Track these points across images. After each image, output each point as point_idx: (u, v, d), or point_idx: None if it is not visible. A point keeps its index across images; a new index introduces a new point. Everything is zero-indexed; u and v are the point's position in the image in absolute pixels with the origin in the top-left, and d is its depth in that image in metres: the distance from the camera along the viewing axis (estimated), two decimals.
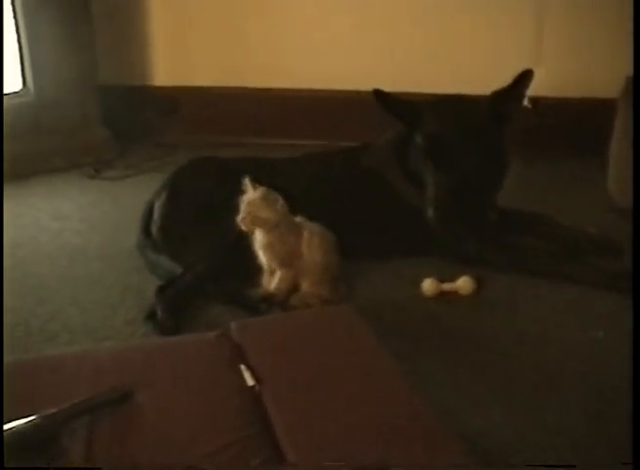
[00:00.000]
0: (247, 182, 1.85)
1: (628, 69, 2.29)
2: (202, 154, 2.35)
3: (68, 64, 2.82)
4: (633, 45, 2.15)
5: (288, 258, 1.85)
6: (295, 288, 1.88)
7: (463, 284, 1.90)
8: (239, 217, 1.83)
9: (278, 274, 1.87)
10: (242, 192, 1.84)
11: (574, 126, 2.78)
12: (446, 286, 1.90)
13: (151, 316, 1.82)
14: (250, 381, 1.22)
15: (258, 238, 1.87)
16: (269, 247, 1.85)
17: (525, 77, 2.00)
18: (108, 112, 2.98)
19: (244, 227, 1.83)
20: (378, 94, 2.04)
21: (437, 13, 2.87)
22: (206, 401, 1.21)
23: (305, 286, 1.88)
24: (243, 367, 1.25)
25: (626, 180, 2.32)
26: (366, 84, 2.48)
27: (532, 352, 1.69)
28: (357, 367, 1.31)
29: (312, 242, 1.88)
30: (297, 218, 1.89)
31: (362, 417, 1.18)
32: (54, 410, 1.12)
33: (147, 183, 2.49)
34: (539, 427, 1.46)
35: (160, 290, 1.88)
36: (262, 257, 1.88)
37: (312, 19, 2.97)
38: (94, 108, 2.94)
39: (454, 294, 1.90)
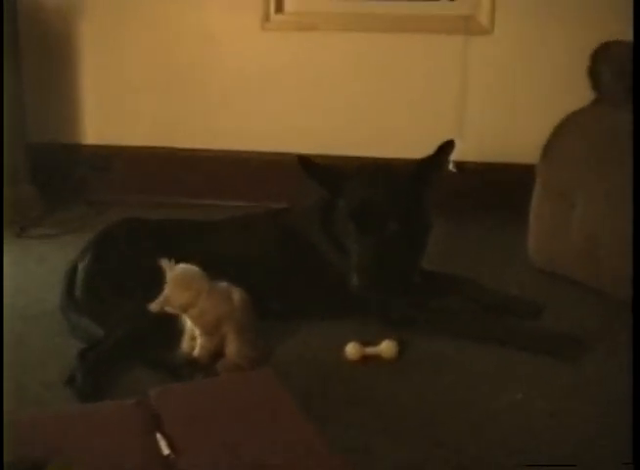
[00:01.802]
0: (165, 263, 1.83)
1: (545, 136, 2.40)
2: (132, 213, 2.33)
3: None
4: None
5: (213, 326, 1.85)
6: (217, 352, 1.86)
7: (386, 348, 1.92)
8: (157, 300, 1.81)
9: (200, 341, 1.85)
10: (162, 270, 1.83)
11: (497, 190, 2.88)
12: (369, 350, 1.91)
13: (71, 380, 1.78)
14: (165, 450, 1.21)
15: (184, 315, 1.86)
16: (195, 319, 1.85)
17: (446, 147, 2.07)
18: (36, 169, 2.96)
19: (164, 309, 1.82)
20: (302, 161, 2.07)
21: (366, 82, 2.96)
22: None
23: (232, 348, 1.87)
24: (159, 436, 1.24)
25: (544, 243, 2.41)
26: (293, 146, 2.55)
27: (455, 416, 1.69)
28: (277, 432, 1.31)
29: (240, 305, 1.88)
30: (221, 283, 1.89)
31: None
32: None
33: (74, 242, 2.46)
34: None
35: (82, 353, 1.84)
36: (188, 325, 1.87)
37: (238, 81, 3.03)
38: (21, 165, 2.91)
39: (377, 357, 1.91)
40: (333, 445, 1.31)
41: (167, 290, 1.81)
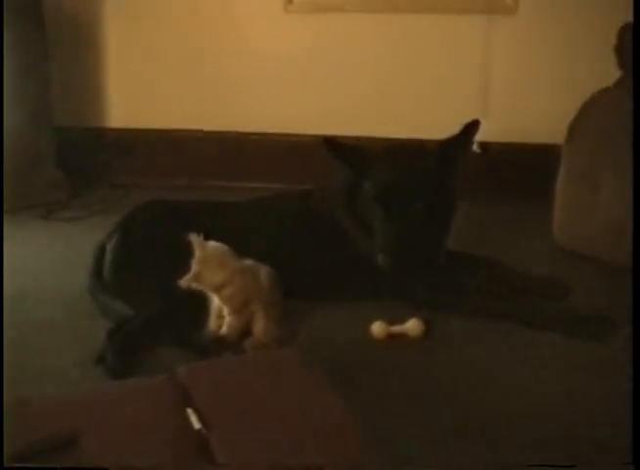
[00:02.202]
0: (194, 238, 1.84)
1: (571, 116, 2.39)
2: (156, 196, 2.35)
3: (23, 104, 2.82)
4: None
5: (241, 305, 1.86)
6: (244, 330, 1.88)
7: (412, 326, 1.92)
8: (187, 277, 1.82)
9: (228, 319, 1.87)
10: (191, 247, 1.84)
11: (522, 171, 2.86)
12: (395, 328, 1.92)
13: (101, 360, 1.80)
14: (196, 424, 1.23)
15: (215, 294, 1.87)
16: (224, 298, 1.86)
17: (472, 126, 2.05)
18: (62, 152, 2.98)
19: (193, 286, 1.83)
20: (327, 142, 2.07)
21: (389, 62, 2.95)
22: (153, 445, 1.21)
23: (259, 327, 1.88)
24: (189, 411, 1.25)
25: (570, 223, 2.40)
26: (316, 128, 2.55)
27: (482, 395, 1.70)
28: (305, 409, 1.32)
29: (268, 284, 1.90)
30: (248, 261, 1.91)
31: (311, 460, 1.19)
32: None
33: (100, 225, 2.48)
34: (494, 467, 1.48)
35: (111, 333, 1.87)
36: (215, 304, 1.89)
37: (261, 63, 3.03)
38: (48, 148, 2.94)
39: (403, 336, 1.92)
40: (359, 423, 1.32)
41: (198, 267, 1.82)
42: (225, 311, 1.86)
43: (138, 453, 1.20)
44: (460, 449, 1.50)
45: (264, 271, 1.90)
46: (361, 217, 2.09)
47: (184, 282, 1.81)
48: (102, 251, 2.13)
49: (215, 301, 1.88)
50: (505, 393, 1.70)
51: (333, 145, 2.08)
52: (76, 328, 2.00)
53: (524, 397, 1.68)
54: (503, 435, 1.54)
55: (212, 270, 1.82)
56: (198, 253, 1.83)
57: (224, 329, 1.86)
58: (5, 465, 1.09)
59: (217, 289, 1.84)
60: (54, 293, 2.20)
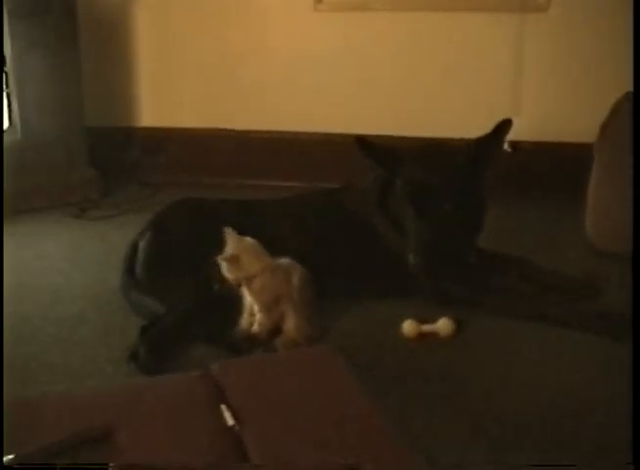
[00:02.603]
0: (229, 232, 1.86)
1: (603, 115, 2.36)
2: (186, 194, 2.36)
3: (56, 103, 2.86)
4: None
5: (272, 303, 1.87)
6: (276, 328, 1.89)
7: (443, 326, 1.92)
8: (224, 271, 1.85)
9: (258, 317, 1.87)
10: (223, 241, 1.86)
11: (554, 170, 2.84)
12: (426, 327, 1.92)
13: (133, 356, 1.82)
14: (230, 421, 1.23)
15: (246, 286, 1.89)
16: (255, 293, 1.87)
17: (503, 126, 2.04)
18: (94, 151, 3.01)
19: (230, 279, 1.86)
20: (360, 141, 2.07)
21: (421, 62, 2.94)
22: (186, 442, 1.21)
23: (290, 325, 1.89)
24: (223, 407, 1.26)
25: (603, 223, 2.37)
26: (349, 127, 2.54)
27: (512, 394, 1.70)
28: (337, 408, 1.32)
29: (300, 283, 1.90)
30: (282, 260, 1.91)
31: (342, 459, 1.18)
32: (32, 450, 1.13)
33: (131, 223, 2.50)
34: (517, 466, 1.47)
35: (143, 330, 1.88)
36: (248, 301, 1.90)
37: (290, 62, 3.03)
38: (80, 147, 2.97)
39: (434, 335, 1.91)
40: (389, 421, 1.31)
41: (235, 252, 1.83)
42: (255, 309, 1.87)
43: (171, 450, 1.20)
44: (483, 448, 1.50)
45: (296, 270, 1.90)
46: (393, 216, 2.09)
47: (221, 257, 1.84)
48: (134, 248, 2.15)
49: (247, 298, 1.89)
50: (534, 393, 1.70)
51: (365, 144, 2.08)
52: (109, 325, 2.02)
53: (557, 398, 1.68)
54: (529, 438, 1.54)
55: (251, 259, 1.85)
56: (232, 244, 1.85)
57: (255, 327, 1.87)
58: (5, 465, 1.10)
59: (249, 280, 1.85)
60: (86, 290, 2.23)
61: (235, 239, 1.86)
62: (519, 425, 1.58)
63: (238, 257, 1.84)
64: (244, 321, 1.90)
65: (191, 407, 1.29)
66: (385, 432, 1.28)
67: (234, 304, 1.91)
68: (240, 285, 1.87)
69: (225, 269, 1.85)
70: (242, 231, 1.94)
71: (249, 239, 1.88)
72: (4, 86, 2.76)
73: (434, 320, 1.93)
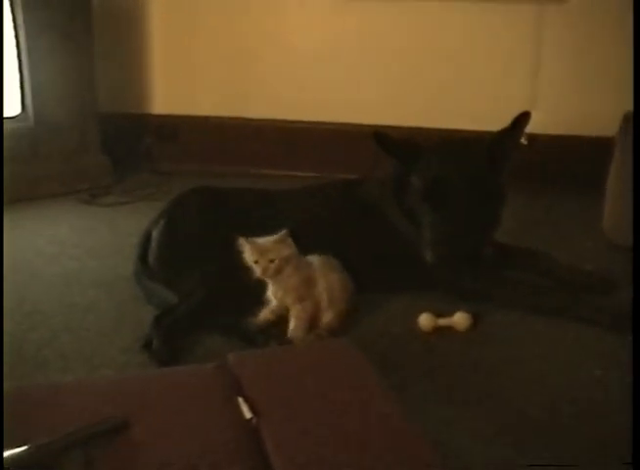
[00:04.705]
0: (242, 242, 1.88)
1: (624, 107, 2.33)
2: (199, 183, 2.34)
3: (68, 89, 2.84)
4: (633, 55, 2.19)
5: (307, 294, 1.87)
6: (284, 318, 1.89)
7: (459, 319, 1.90)
8: (259, 271, 1.86)
9: (295, 312, 1.87)
10: (239, 251, 1.88)
11: (571, 164, 2.81)
12: (442, 321, 1.90)
13: (147, 346, 1.81)
14: (247, 414, 1.21)
15: (278, 282, 1.90)
16: (281, 284, 1.89)
17: (522, 118, 2.01)
18: (106, 138, 2.99)
19: (268, 277, 1.87)
20: (377, 135, 2.03)
21: (439, 53, 2.91)
22: (203, 434, 1.19)
23: (326, 319, 1.88)
24: (240, 400, 1.24)
25: (621, 218, 2.34)
26: (364, 117, 2.51)
27: (529, 388, 1.68)
28: (356, 401, 1.30)
29: (329, 274, 1.92)
30: (311, 256, 1.94)
31: (360, 451, 1.17)
32: (48, 440, 1.11)
33: (143, 210, 2.50)
34: (538, 461, 1.45)
35: (157, 319, 1.87)
36: (278, 296, 1.90)
37: (314, 52, 3.00)
38: (93, 134, 2.96)
39: (450, 329, 1.90)
40: (407, 413, 1.30)
41: (271, 252, 1.86)
42: (273, 302, 1.87)
43: (187, 443, 1.18)
44: (499, 442, 1.49)
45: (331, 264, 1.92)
46: (408, 209, 2.06)
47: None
48: (147, 237, 2.13)
49: (270, 289, 1.89)
50: (555, 388, 1.68)
51: (382, 138, 2.04)
52: (121, 313, 2.01)
53: (572, 392, 1.66)
54: (545, 432, 1.53)
55: (283, 246, 1.87)
56: (260, 243, 1.87)
57: (292, 328, 1.85)
58: (5, 465, 1.08)
59: (280, 266, 1.86)
60: (98, 277, 2.22)
61: (251, 243, 1.88)
62: (534, 419, 1.57)
63: (274, 244, 1.87)
64: (262, 315, 1.89)
65: (207, 399, 1.27)
66: (403, 425, 1.26)
67: (249, 293, 1.90)
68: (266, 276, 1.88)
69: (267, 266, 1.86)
70: (255, 220, 1.93)
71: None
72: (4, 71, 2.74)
73: (450, 314, 1.91)
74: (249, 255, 1.87)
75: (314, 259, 1.92)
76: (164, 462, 1.12)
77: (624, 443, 1.35)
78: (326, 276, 1.89)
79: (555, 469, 1.40)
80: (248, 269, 1.88)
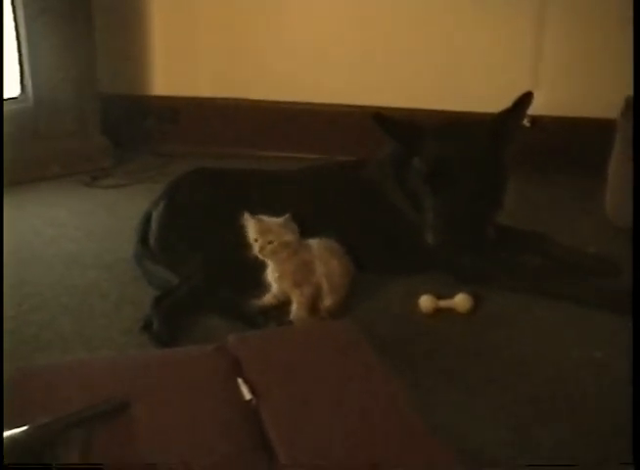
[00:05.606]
0: (247, 217, 1.87)
1: (627, 89, 2.31)
2: (200, 164, 2.33)
3: (68, 71, 2.82)
4: (633, 52, 2.17)
5: (304, 279, 1.86)
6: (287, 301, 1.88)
7: (460, 301, 1.89)
8: (257, 248, 1.85)
9: (295, 297, 1.86)
10: (242, 224, 1.87)
11: (573, 146, 2.79)
12: (443, 303, 1.89)
13: (147, 327, 1.81)
14: (247, 395, 1.21)
15: (275, 264, 1.88)
16: (281, 264, 1.87)
17: (525, 99, 1.99)
18: (106, 120, 2.97)
19: (264, 256, 1.86)
20: (377, 117, 2.01)
21: (440, 33, 2.89)
22: (203, 414, 1.20)
23: (327, 303, 1.87)
24: (240, 381, 1.24)
25: (624, 201, 2.33)
26: (365, 99, 2.49)
27: (530, 371, 1.68)
28: (355, 382, 1.30)
29: (329, 259, 1.90)
30: (312, 240, 1.93)
31: (359, 432, 1.17)
32: (47, 420, 1.11)
33: (144, 193, 2.49)
34: (537, 443, 1.46)
35: (157, 301, 1.87)
36: (278, 281, 1.89)
37: (314, 33, 2.98)
38: (93, 115, 2.93)
39: (451, 311, 1.89)
40: (407, 394, 1.30)
41: (273, 234, 1.85)
42: (275, 285, 1.87)
43: (187, 424, 1.18)
44: (502, 425, 1.49)
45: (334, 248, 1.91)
46: (409, 191, 2.05)
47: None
48: (148, 218, 2.13)
49: (270, 271, 1.88)
50: (552, 370, 1.68)
51: (382, 119, 2.02)
52: (122, 295, 2.00)
53: (575, 375, 1.66)
54: (546, 413, 1.54)
55: (287, 232, 1.86)
56: (265, 223, 1.86)
57: (294, 312, 1.85)
58: (18, 436, 1.09)
59: (276, 248, 1.84)
60: (99, 259, 2.21)
61: (258, 219, 1.87)
62: (534, 400, 1.57)
63: (277, 227, 1.86)
64: (267, 298, 1.89)
65: (207, 380, 1.28)
66: (403, 407, 1.26)
67: (249, 275, 1.89)
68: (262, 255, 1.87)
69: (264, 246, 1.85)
70: (254, 200, 1.92)
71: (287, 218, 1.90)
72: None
73: (451, 296, 1.91)
74: (251, 231, 1.86)
75: (314, 244, 1.90)
76: (164, 442, 1.13)
77: (624, 425, 1.36)
78: (326, 262, 1.88)
79: (555, 469, 1.40)
80: (249, 246, 1.88)
